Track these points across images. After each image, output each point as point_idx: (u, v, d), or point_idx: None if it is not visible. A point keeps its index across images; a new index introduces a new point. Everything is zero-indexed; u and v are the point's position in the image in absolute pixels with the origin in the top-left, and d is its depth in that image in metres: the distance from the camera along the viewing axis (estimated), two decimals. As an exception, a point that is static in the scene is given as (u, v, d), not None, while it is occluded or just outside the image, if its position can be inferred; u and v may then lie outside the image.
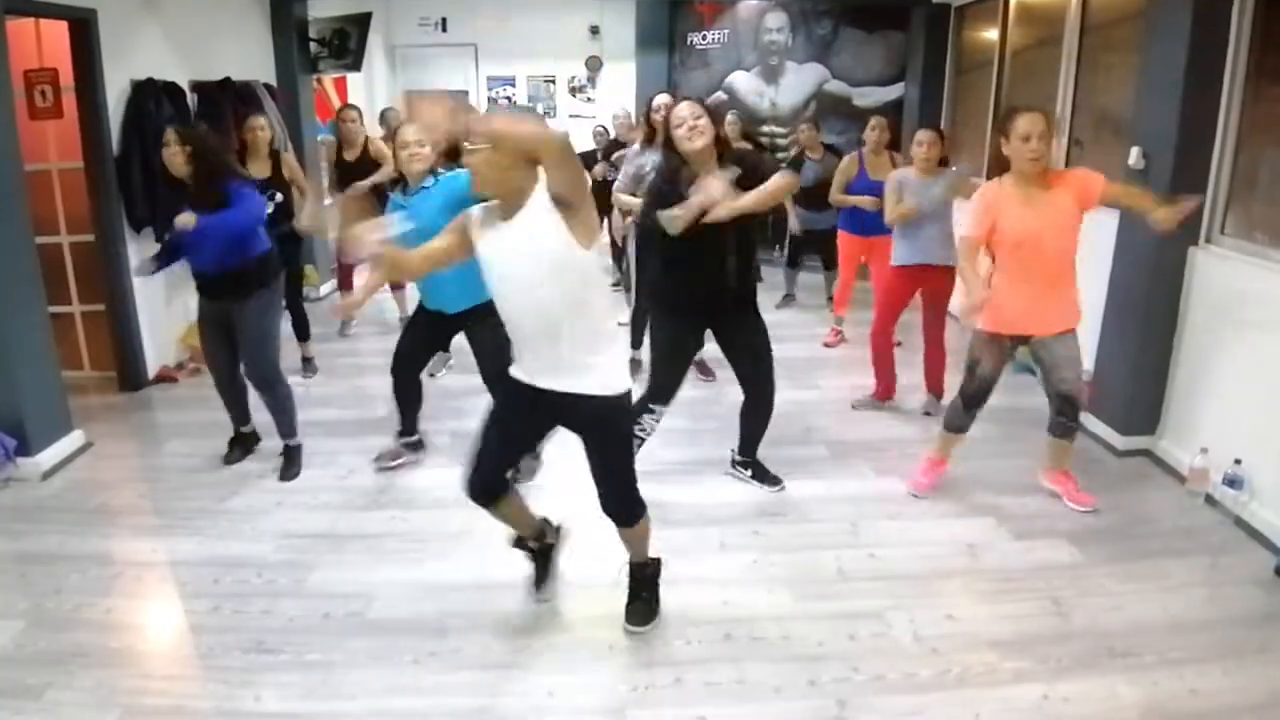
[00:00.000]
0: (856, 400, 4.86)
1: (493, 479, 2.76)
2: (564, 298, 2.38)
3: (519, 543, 3.00)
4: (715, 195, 3.07)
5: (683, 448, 4.16)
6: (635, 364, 4.90)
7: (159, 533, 3.50)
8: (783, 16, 8.21)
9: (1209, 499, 3.68)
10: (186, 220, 3.54)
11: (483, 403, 4.08)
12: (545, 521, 3.02)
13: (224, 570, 3.19)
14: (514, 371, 2.61)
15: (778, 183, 3.23)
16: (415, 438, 4.12)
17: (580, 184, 2.34)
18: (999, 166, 3.44)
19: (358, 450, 4.17)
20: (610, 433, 2.63)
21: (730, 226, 3.20)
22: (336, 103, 7.88)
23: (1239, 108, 3.75)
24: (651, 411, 3.69)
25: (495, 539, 3.05)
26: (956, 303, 4.14)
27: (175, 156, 3.64)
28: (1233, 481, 3.53)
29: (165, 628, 2.96)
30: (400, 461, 4.04)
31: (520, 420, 2.71)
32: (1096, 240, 4.29)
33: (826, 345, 5.98)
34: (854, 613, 2.94)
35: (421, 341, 3.92)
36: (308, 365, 5.42)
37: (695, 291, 3.44)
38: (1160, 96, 3.91)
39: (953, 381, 3.54)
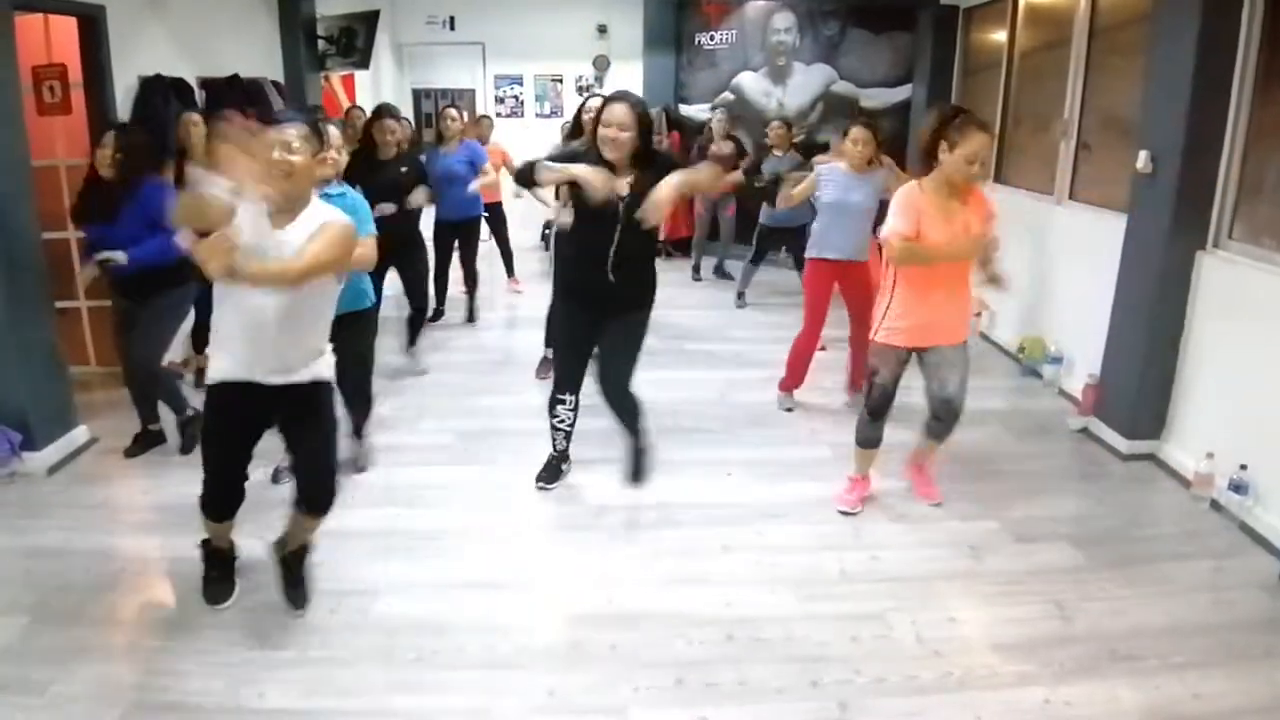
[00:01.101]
0: (780, 398, 4.81)
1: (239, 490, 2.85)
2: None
3: (221, 553, 3.02)
4: (594, 182, 3.12)
5: (684, 449, 4.16)
6: (545, 363, 4.93)
7: (163, 528, 3.50)
8: (790, 17, 8.20)
9: (1214, 504, 3.67)
10: (118, 259, 3.78)
11: (484, 402, 4.13)
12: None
13: (228, 566, 3.20)
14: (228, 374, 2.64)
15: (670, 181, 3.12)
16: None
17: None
18: (924, 158, 3.30)
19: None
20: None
21: (615, 224, 3.23)
22: (344, 100, 7.89)
23: (1247, 111, 3.73)
24: (562, 401, 3.69)
25: (498, 537, 3.05)
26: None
27: (104, 157, 3.77)
28: (1238, 486, 3.52)
29: (169, 624, 2.96)
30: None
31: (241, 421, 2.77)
32: (1104, 245, 4.30)
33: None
34: (856, 614, 2.94)
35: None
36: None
37: (580, 281, 3.48)
38: (1168, 100, 3.90)
39: (972, 384, 3.51)
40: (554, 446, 3.83)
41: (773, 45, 8.33)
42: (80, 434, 4.22)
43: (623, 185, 3.19)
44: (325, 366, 2.75)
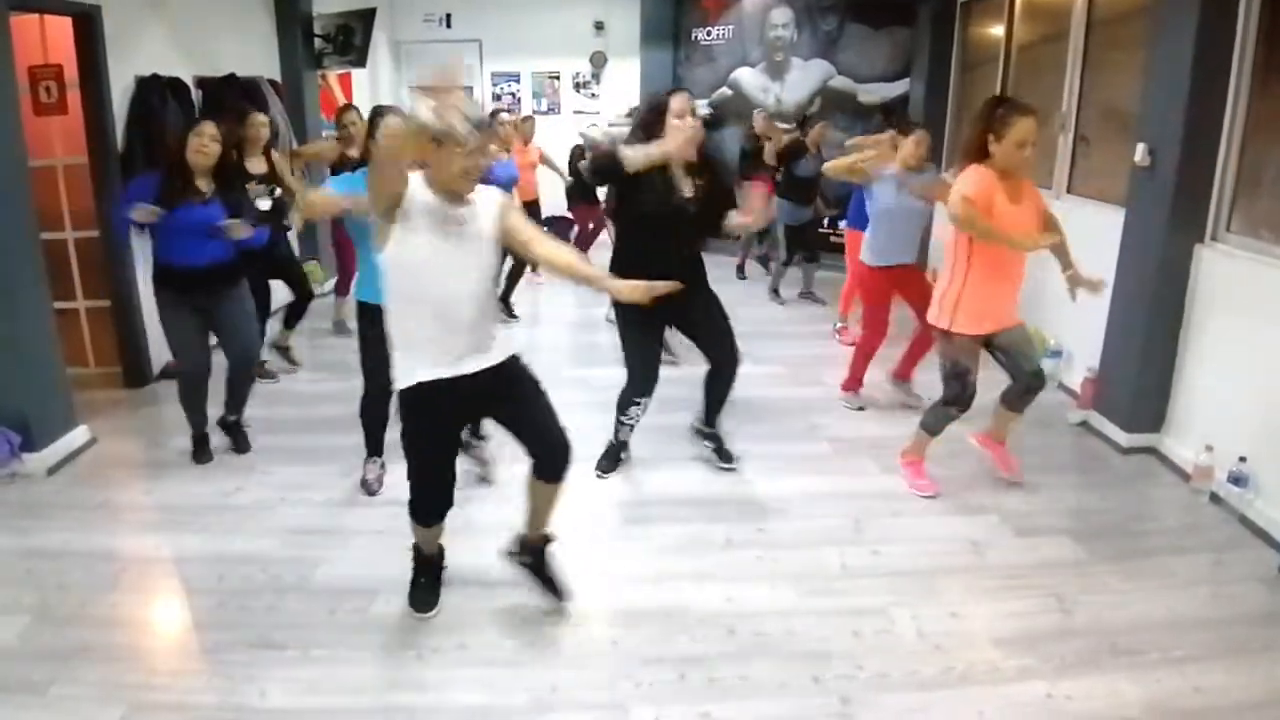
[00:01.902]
0: (845, 398, 4.84)
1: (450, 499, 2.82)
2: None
3: (430, 560, 3.00)
4: (679, 148, 3.33)
5: (686, 444, 4.16)
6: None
7: (163, 528, 3.51)
8: (788, 12, 8.20)
9: (1213, 496, 3.67)
10: (244, 231, 3.81)
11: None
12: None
13: (229, 566, 3.20)
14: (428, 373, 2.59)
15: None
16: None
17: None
18: (974, 155, 3.34)
19: (361, 447, 4.17)
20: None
21: (679, 221, 3.43)
22: (341, 99, 7.87)
23: (1245, 104, 3.73)
24: (637, 404, 3.76)
25: (498, 534, 3.05)
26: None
27: (209, 149, 3.78)
28: (1237, 479, 3.52)
29: (170, 623, 2.97)
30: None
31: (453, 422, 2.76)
32: (1102, 238, 4.29)
33: (843, 344, 5.89)
34: (858, 610, 2.95)
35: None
36: (284, 353, 5.56)
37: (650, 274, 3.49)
38: (1166, 93, 3.90)
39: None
40: (616, 437, 3.92)
41: (770, 40, 8.32)
42: (80, 434, 4.21)
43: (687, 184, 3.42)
44: (510, 342, 2.73)
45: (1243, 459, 3.52)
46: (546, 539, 2.91)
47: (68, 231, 5.05)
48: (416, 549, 2.96)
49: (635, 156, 3.32)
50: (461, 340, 2.56)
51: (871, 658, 2.70)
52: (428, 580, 2.98)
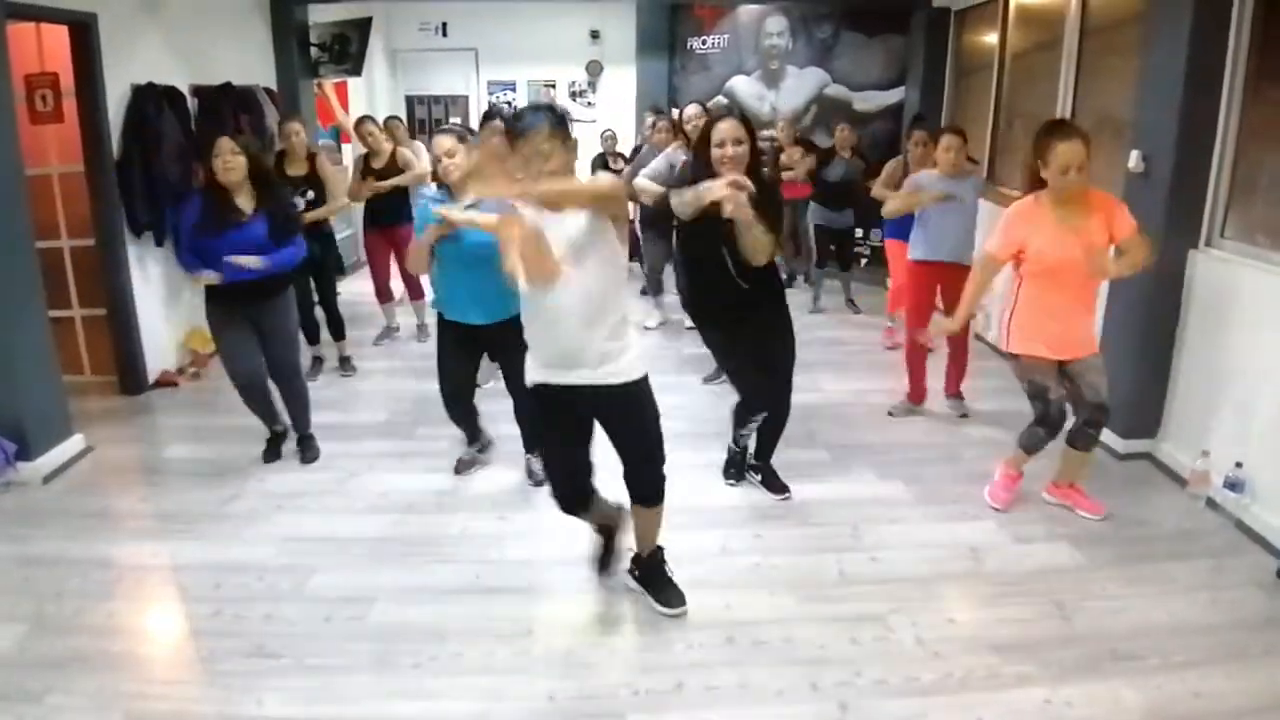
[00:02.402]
0: (893, 406, 4.81)
1: (581, 489, 2.88)
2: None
3: (604, 529, 3.09)
4: (731, 196, 2.97)
5: (684, 451, 4.15)
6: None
7: (160, 537, 3.49)
8: (783, 21, 8.22)
9: (1210, 502, 3.68)
10: (251, 263, 3.67)
11: (482, 408, 4.12)
12: (617, 507, 3.04)
13: (225, 574, 3.19)
14: (543, 376, 2.67)
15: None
16: (482, 441, 4.16)
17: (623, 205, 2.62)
18: (1032, 184, 3.36)
19: (358, 454, 4.18)
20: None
21: (722, 232, 3.18)
22: (337, 107, 7.88)
23: (1239, 110, 3.75)
24: (754, 420, 3.75)
25: (495, 542, 3.05)
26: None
27: (233, 164, 3.72)
28: (1234, 484, 3.53)
29: (166, 632, 2.95)
30: (475, 468, 4.07)
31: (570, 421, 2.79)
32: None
33: (889, 348, 5.91)
34: (856, 616, 2.94)
35: (464, 359, 3.80)
36: (345, 364, 5.57)
37: (720, 301, 3.49)
38: (1160, 99, 3.91)
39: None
40: (736, 444, 3.91)
41: (765, 49, 8.34)
42: (76, 442, 4.20)
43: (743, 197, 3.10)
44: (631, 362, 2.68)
45: (1239, 464, 3.52)
46: (659, 550, 3.03)
47: (64, 240, 5.05)
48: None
49: (688, 206, 3.15)
50: (571, 351, 2.60)
51: (870, 664, 2.70)
52: (605, 547, 3.09)
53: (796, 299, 7.05)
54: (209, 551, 3.37)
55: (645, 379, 2.71)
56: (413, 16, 9.75)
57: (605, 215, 2.50)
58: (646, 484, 2.85)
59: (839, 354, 5.87)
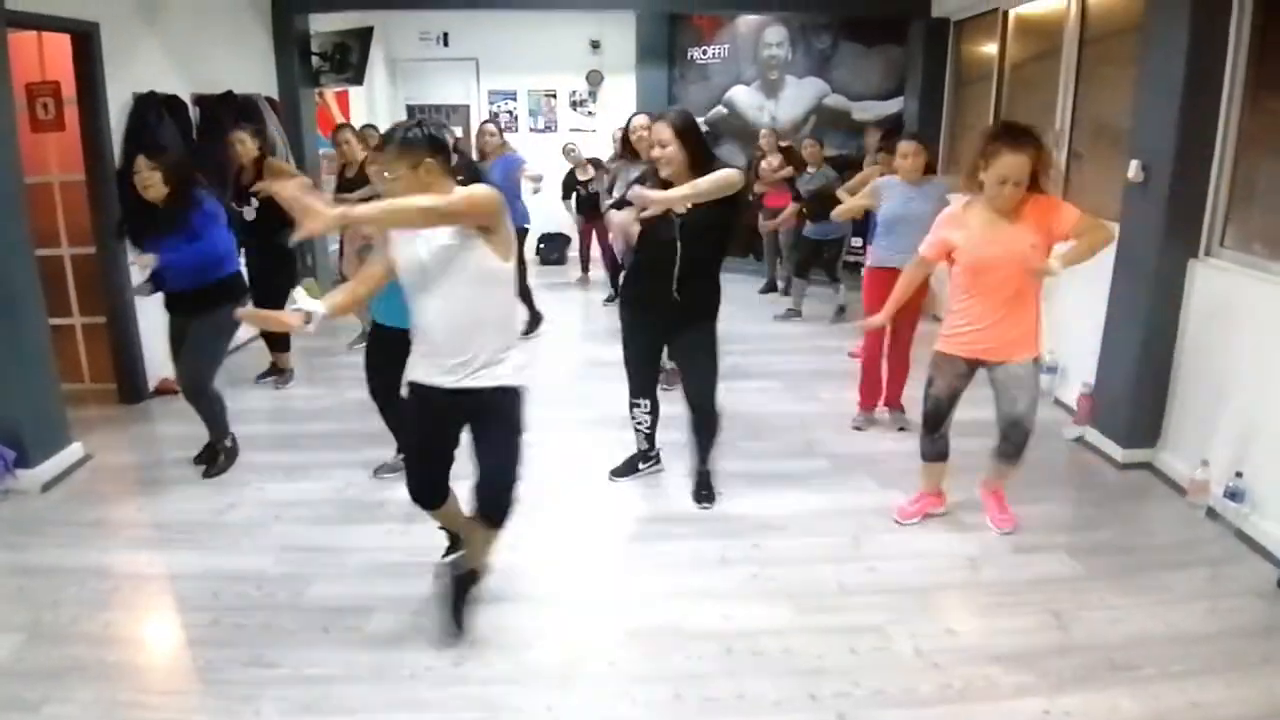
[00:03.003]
0: (855, 418, 4.79)
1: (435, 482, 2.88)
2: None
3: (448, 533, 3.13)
4: (651, 198, 3.23)
5: (681, 461, 4.15)
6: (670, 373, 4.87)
7: (158, 545, 3.49)
8: (782, 31, 8.25)
9: (1210, 511, 3.67)
10: (146, 260, 3.81)
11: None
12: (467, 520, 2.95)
13: (223, 583, 3.18)
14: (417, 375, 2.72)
15: (711, 178, 3.27)
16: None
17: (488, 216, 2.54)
18: (971, 182, 3.27)
19: (356, 463, 4.17)
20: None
21: (676, 239, 3.41)
22: (338, 116, 7.90)
23: (1238, 119, 3.76)
24: (638, 405, 3.89)
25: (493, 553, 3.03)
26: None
27: (149, 181, 3.79)
28: (1234, 494, 3.52)
29: (164, 641, 2.95)
30: (399, 474, 4.02)
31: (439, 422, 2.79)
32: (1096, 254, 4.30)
33: (852, 355, 5.79)
34: (854, 627, 2.93)
35: (393, 362, 3.81)
36: (282, 375, 5.56)
37: (646, 295, 3.63)
38: (1159, 108, 3.92)
39: (965, 396, 3.49)
40: (637, 446, 4.03)
41: (765, 59, 8.37)
42: (74, 451, 4.20)
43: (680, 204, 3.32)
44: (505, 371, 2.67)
45: (1239, 474, 3.52)
46: (471, 573, 2.93)
47: (64, 248, 5.05)
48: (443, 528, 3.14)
49: (623, 224, 3.48)
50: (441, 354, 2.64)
51: (868, 675, 2.69)
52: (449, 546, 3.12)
53: (769, 304, 7.15)
54: (207, 561, 3.36)
55: (516, 391, 2.70)
56: (414, 26, 9.78)
57: (471, 229, 2.51)
58: (490, 501, 2.72)
59: (836, 364, 5.87)
